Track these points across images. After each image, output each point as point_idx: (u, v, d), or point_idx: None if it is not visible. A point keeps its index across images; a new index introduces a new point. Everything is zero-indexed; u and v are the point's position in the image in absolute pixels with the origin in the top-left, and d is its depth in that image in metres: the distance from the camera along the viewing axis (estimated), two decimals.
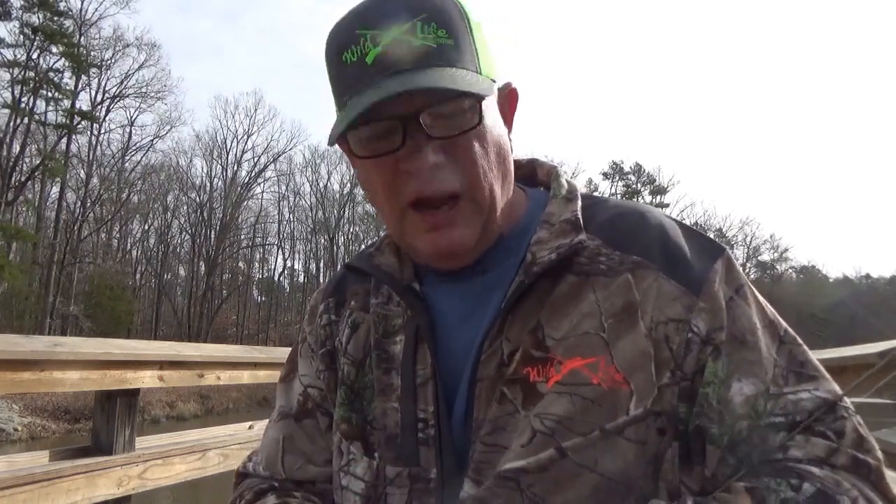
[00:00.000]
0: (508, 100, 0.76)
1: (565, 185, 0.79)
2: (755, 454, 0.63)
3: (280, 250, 43.71)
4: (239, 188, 39.80)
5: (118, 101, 33.18)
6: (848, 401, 0.66)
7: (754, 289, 0.72)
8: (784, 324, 0.70)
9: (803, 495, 0.58)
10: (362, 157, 0.69)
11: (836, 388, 0.66)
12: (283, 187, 42.77)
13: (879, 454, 0.64)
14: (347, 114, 0.65)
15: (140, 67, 33.02)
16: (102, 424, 2.40)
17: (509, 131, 0.75)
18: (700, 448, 0.65)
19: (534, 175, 0.85)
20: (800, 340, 0.70)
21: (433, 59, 0.64)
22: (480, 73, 0.67)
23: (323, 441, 0.83)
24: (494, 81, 0.71)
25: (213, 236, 38.28)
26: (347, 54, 0.66)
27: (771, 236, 55.61)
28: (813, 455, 0.63)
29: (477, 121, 0.67)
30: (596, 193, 0.78)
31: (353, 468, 0.75)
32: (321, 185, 42.98)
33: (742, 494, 0.60)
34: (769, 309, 0.71)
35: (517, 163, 0.85)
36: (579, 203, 0.75)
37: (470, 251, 0.71)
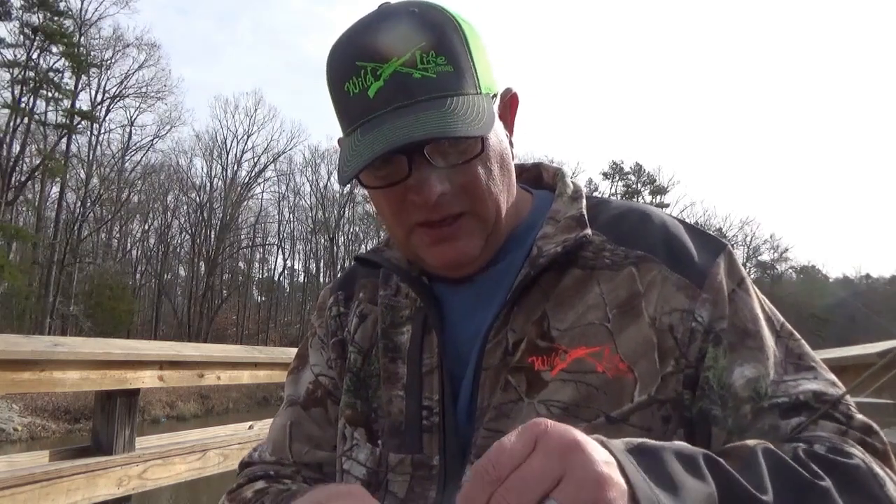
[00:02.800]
0: (509, 105, 0.77)
1: (570, 185, 0.81)
2: (764, 438, 0.63)
3: (280, 250, 43.73)
4: (239, 188, 39.76)
5: (118, 101, 33.14)
6: (849, 398, 0.66)
7: (753, 284, 0.73)
8: (781, 318, 0.72)
9: (817, 451, 0.59)
10: (372, 187, 0.71)
11: (835, 378, 0.68)
12: (283, 187, 42.74)
13: (885, 439, 0.65)
14: (357, 156, 0.65)
15: (140, 67, 33.00)
16: (102, 424, 2.39)
17: (510, 134, 0.77)
18: (705, 432, 0.66)
19: (539, 178, 0.88)
20: (797, 335, 0.71)
21: (434, 90, 0.65)
22: (480, 92, 0.68)
23: (332, 429, 0.84)
24: (495, 96, 0.72)
25: (213, 236, 38.25)
26: (349, 85, 0.67)
27: (771, 236, 55.72)
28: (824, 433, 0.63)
29: (480, 149, 0.68)
30: (596, 194, 0.80)
31: (356, 454, 0.77)
32: (321, 185, 42.94)
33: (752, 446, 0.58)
34: (767, 303, 0.73)
35: (523, 167, 0.88)
36: (584, 202, 0.77)
37: (475, 261, 0.74)
